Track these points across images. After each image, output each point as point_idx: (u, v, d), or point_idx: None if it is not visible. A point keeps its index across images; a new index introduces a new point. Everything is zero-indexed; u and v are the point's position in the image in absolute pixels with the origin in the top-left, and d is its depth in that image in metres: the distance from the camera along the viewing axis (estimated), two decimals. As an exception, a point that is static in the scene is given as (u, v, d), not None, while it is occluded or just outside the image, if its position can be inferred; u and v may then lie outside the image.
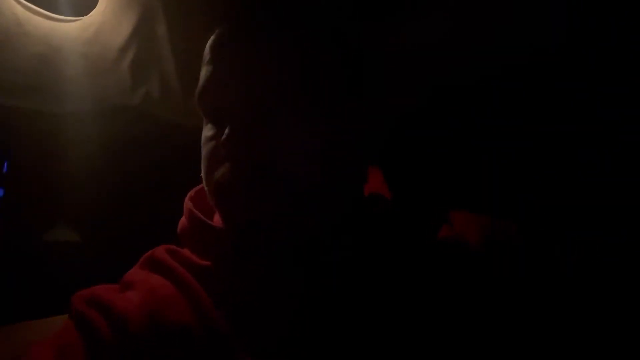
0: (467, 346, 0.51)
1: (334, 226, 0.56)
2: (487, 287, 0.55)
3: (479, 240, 0.59)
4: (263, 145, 0.51)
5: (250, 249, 0.54)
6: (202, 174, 0.56)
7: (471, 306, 0.53)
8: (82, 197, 0.96)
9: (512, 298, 0.54)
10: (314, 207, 0.53)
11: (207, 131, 0.56)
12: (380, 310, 0.52)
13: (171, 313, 0.51)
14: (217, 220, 0.61)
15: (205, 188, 0.57)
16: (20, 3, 0.76)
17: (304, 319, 0.52)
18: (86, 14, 0.82)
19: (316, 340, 0.51)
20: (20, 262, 0.90)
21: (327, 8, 0.60)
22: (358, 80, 0.59)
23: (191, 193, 0.63)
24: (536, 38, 0.74)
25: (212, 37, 0.58)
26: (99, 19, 0.82)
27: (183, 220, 0.62)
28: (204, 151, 0.56)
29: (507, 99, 0.85)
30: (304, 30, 0.56)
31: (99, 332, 0.50)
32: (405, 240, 0.59)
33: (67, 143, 0.94)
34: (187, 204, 0.61)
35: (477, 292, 0.54)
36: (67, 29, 0.83)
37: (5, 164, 0.97)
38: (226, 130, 0.51)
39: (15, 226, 0.92)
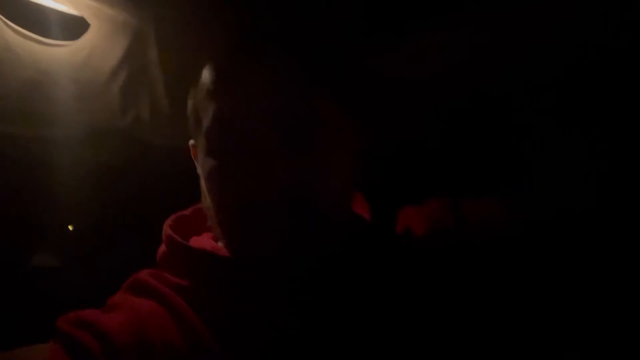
0: (455, 343, 0.52)
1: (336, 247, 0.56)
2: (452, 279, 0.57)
3: (424, 229, 0.64)
4: (291, 169, 0.51)
5: (259, 278, 0.54)
6: (212, 204, 0.56)
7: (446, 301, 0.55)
8: (72, 223, 0.95)
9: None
10: (333, 229, 0.54)
11: (212, 162, 0.55)
12: (369, 327, 0.52)
13: (157, 330, 0.51)
14: (194, 243, 0.61)
15: (215, 219, 0.57)
16: (10, 27, 0.76)
17: (293, 333, 0.51)
18: (77, 38, 0.81)
19: (305, 355, 0.50)
20: (5, 288, 0.88)
21: (328, 24, 0.60)
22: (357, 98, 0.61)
23: (169, 221, 0.63)
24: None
25: (210, 70, 0.57)
26: (91, 43, 0.82)
27: (162, 247, 0.62)
28: (213, 182, 0.55)
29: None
30: (307, 52, 0.57)
31: (89, 351, 0.49)
32: (383, 252, 0.59)
33: (58, 168, 0.93)
34: (166, 230, 0.62)
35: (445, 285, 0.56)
36: (58, 54, 0.82)
37: None
38: (246, 159, 0.51)
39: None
